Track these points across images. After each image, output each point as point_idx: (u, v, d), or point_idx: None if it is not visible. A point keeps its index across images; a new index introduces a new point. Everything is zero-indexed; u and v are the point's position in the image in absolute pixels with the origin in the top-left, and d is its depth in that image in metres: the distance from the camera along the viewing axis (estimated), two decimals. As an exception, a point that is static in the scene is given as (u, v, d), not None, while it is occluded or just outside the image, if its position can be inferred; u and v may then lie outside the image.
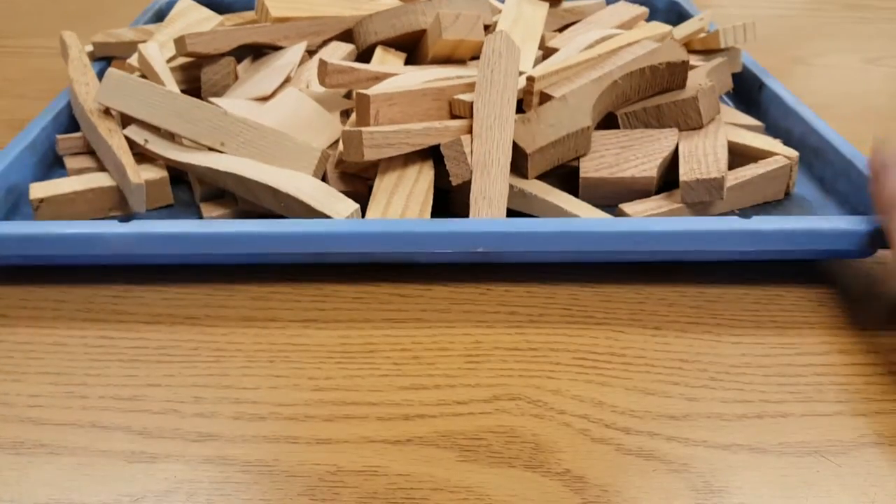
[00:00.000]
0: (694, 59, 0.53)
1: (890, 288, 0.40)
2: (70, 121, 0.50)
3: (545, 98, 0.45)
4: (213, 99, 0.47)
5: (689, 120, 0.46)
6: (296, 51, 0.51)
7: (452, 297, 0.39)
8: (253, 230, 0.37)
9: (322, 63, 0.46)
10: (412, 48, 0.53)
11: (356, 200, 0.40)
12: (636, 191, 0.44)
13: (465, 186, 0.41)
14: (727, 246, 0.38)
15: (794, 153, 0.45)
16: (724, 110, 0.50)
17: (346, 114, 0.49)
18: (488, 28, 0.54)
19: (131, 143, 0.44)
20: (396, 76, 0.47)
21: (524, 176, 0.43)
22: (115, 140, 0.44)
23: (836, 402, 0.33)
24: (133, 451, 0.31)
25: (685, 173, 0.42)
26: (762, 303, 0.39)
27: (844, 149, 0.45)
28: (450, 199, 0.44)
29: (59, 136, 0.47)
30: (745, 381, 0.34)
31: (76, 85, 0.48)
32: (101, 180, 0.43)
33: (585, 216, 0.41)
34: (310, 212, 0.39)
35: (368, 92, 0.43)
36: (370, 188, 0.43)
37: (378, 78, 0.47)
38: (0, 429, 0.32)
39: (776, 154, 0.45)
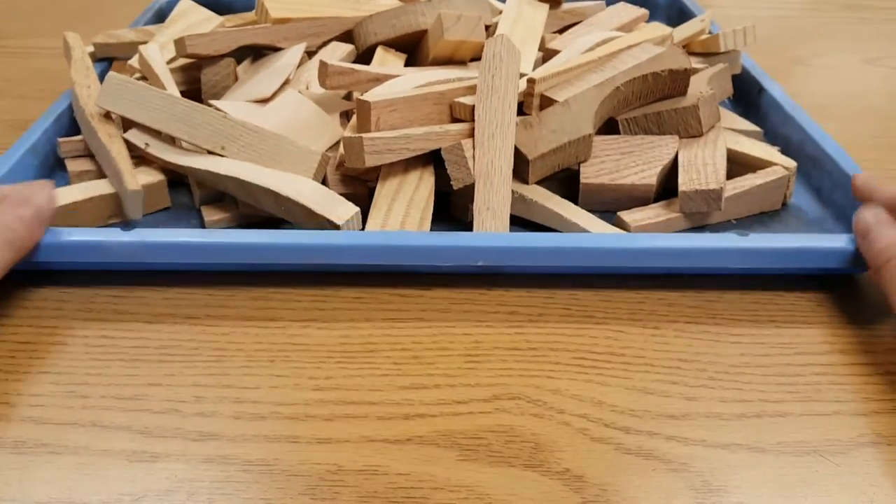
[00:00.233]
0: (694, 62, 0.52)
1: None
2: (71, 123, 0.50)
3: (546, 101, 0.45)
4: (213, 101, 0.47)
5: (690, 128, 0.46)
6: (295, 52, 0.51)
7: (452, 296, 0.39)
8: (252, 241, 0.37)
9: (322, 64, 0.46)
10: (412, 49, 0.53)
11: (356, 202, 0.41)
12: (636, 197, 0.44)
13: (466, 189, 0.41)
14: (721, 263, 0.38)
15: (791, 163, 0.45)
16: (723, 114, 0.50)
17: (345, 115, 0.49)
18: (489, 29, 0.54)
19: (131, 146, 0.44)
20: (397, 77, 0.47)
21: (525, 181, 0.43)
22: (114, 145, 0.44)
23: (835, 402, 0.33)
24: (134, 451, 0.31)
25: (684, 183, 0.42)
26: (761, 302, 0.39)
27: (842, 161, 0.44)
28: (450, 202, 0.44)
29: (60, 140, 0.47)
30: (744, 380, 0.34)
31: (78, 88, 0.48)
32: (101, 188, 0.43)
33: (584, 224, 0.42)
34: (310, 215, 0.39)
35: (369, 98, 0.43)
36: (371, 190, 0.43)
37: (379, 79, 0.47)
38: (1, 428, 0.32)
39: (774, 164, 0.45)
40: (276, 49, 0.52)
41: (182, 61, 0.52)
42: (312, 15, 0.54)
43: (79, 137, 0.48)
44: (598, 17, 0.61)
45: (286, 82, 0.50)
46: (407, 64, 0.52)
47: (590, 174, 0.44)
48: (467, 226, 0.42)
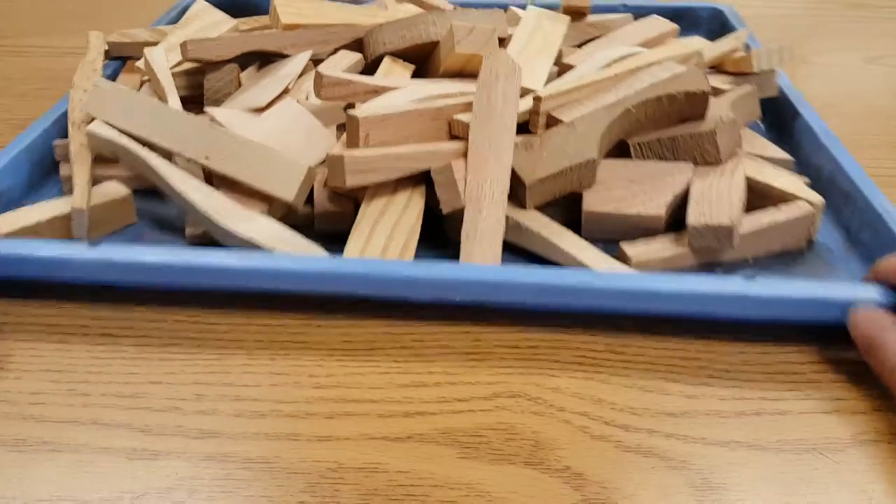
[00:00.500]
0: (723, 82, 0.49)
1: None
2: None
3: (552, 120, 0.43)
4: (209, 109, 0.46)
5: (707, 154, 0.42)
6: (299, 60, 0.50)
7: (453, 295, 0.39)
8: (224, 264, 0.36)
9: (318, 75, 0.44)
10: (423, 60, 0.50)
11: (342, 221, 0.39)
12: (643, 228, 0.40)
13: (458, 214, 0.39)
14: (710, 310, 0.35)
15: (818, 199, 0.41)
16: (752, 139, 0.46)
17: (342, 127, 0.46)
18: (503, 41, 0.50)
19: (102, 156, 0.43)
20: (395, 90, 0.45)
21: (522, 205, 0.40)
22: (80, 156, 0.43)
23: (835, 400, 0.33)
24: (134, 449, 0.31)
25: (693, 216, 0.39)
26: (761, 301, 0.39)
27: (875, 199, 0.41)
28: (444, 223, 0.41)
29: (55, 142, 0.47)
30: (743, 378, 0.34)
31: (74, 91, 0.48)
32: (63, 206, 0.41)
33: (580, 256, 0.38)
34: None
35: (357, 113, 0.40)
36: (358, 207, 0.41)
37: (377, 91, 0.45)
38: (2, 426, 0.32)
39: (799, 198, 0.41)
40: (284, 56, 0.51)
41: (188, 65, 0.51)
42: (324, 22, 0.52)
43: None
44: (624, 31, 0.57)
45: (285, 91, 0.48)
46: (416, 76, 0.50)
47: (594, 202, 0.41)
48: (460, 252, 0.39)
